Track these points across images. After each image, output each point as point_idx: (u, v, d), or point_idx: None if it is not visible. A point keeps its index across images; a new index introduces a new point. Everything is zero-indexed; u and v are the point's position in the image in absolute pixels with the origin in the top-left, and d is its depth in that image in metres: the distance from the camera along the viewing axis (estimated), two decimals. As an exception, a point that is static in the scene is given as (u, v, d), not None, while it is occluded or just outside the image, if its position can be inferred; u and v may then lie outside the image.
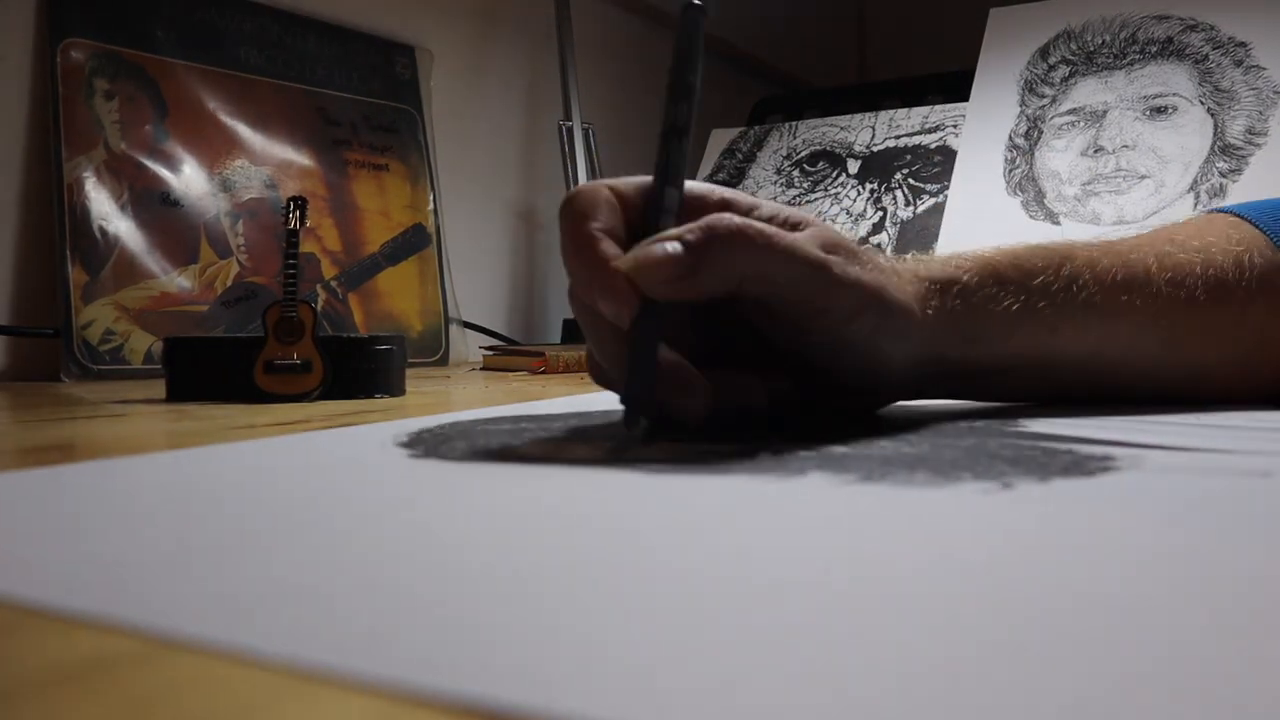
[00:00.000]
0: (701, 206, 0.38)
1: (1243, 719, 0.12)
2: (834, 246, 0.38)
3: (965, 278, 0.44)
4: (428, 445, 0.39)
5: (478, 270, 1.76)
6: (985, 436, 0.38)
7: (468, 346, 1.68)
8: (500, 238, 1.84)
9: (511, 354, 1.38)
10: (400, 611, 0.18)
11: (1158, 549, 0.21)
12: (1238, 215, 0.51)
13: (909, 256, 0.44)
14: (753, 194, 1.92)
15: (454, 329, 1.63)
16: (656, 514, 0.26)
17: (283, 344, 0.74)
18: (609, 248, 0.35)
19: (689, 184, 0.39)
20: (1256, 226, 0.49)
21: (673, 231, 0.35)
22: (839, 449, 0.35)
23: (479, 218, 1.78)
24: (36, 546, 0.24)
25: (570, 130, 1.70)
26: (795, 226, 0.39)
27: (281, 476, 0.34)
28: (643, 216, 0.37)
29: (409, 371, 0.82)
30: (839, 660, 0.14)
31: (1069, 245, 0.47)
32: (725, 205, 0.39)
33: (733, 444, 0.36)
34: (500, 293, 1.83)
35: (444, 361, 1.58)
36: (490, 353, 1.44)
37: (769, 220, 0.38)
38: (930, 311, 0.42)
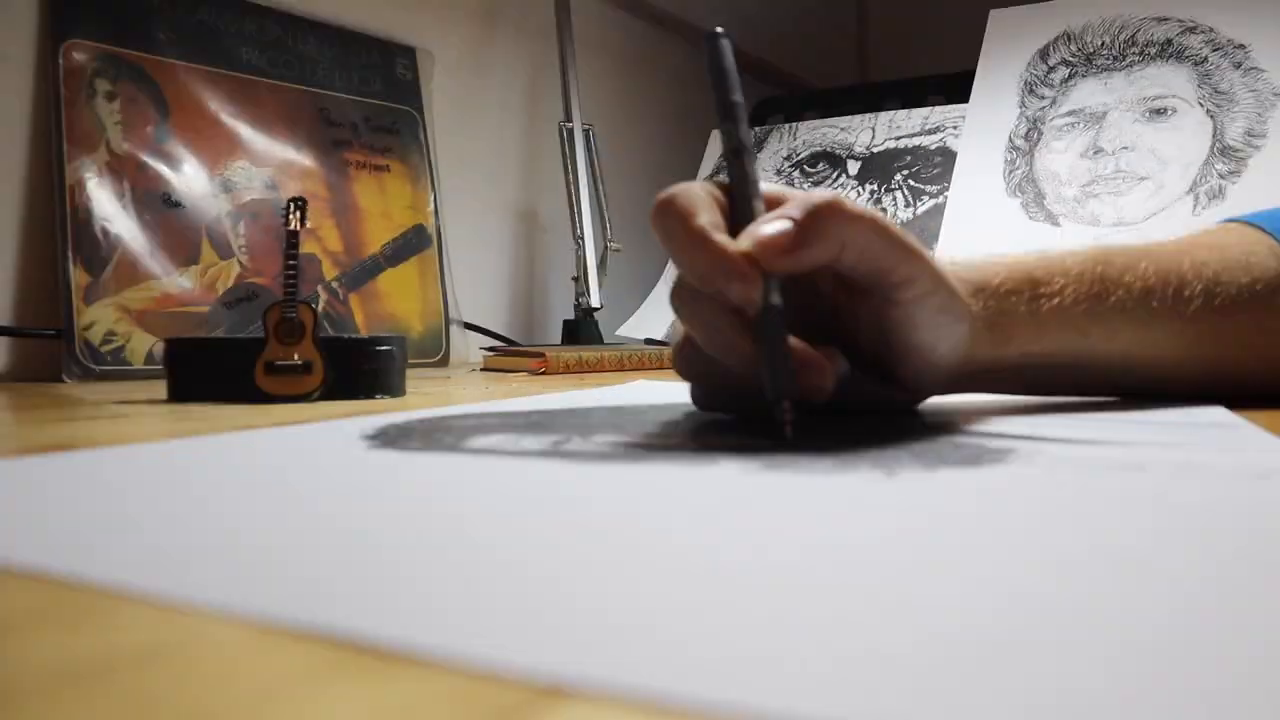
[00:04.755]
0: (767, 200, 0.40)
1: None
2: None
3: (997, 280, 0.45)
4: (388, 438, 0.41)
5: (478, 270, 1.76)
6: (918, 434, 0.39)
7: (468, 347, 1.68)
8: (501, 238, 1.84)
9: (512, 354, 1.38)
10: (367, 584, 0.18)
11: (998, 534, 0.23)
12: (1255, 226, 0.52)
13: (947, 260, 0.45)
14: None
15: (454, 329, 1.63)
16: (563, 496, 0.28)
17: (283, 345, 0.74)
18: (723, 237, 0.36)
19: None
20: (1273, 237, 0.50)
21: (774, 214, 0.37)
22: (766, 443, 0.36)
23: (479, 218, 1.78)
24: (48, 522, 0.24)
25: (570, 131, 1.70)
26: None
27: (243, 469, 0.36)
28: (730, 217, 0.39)
29: (409, 372, 0.82)
30: (677, 615, 0.16)
31: (1104, 250, 0.48)
32: (780, 199, 0.40)
33: (668, 438, 0.39)
34: (500, 293, 1.83)
35: (444, 362, 1.58)
36: (490, 353, 1.44)
37: None
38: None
